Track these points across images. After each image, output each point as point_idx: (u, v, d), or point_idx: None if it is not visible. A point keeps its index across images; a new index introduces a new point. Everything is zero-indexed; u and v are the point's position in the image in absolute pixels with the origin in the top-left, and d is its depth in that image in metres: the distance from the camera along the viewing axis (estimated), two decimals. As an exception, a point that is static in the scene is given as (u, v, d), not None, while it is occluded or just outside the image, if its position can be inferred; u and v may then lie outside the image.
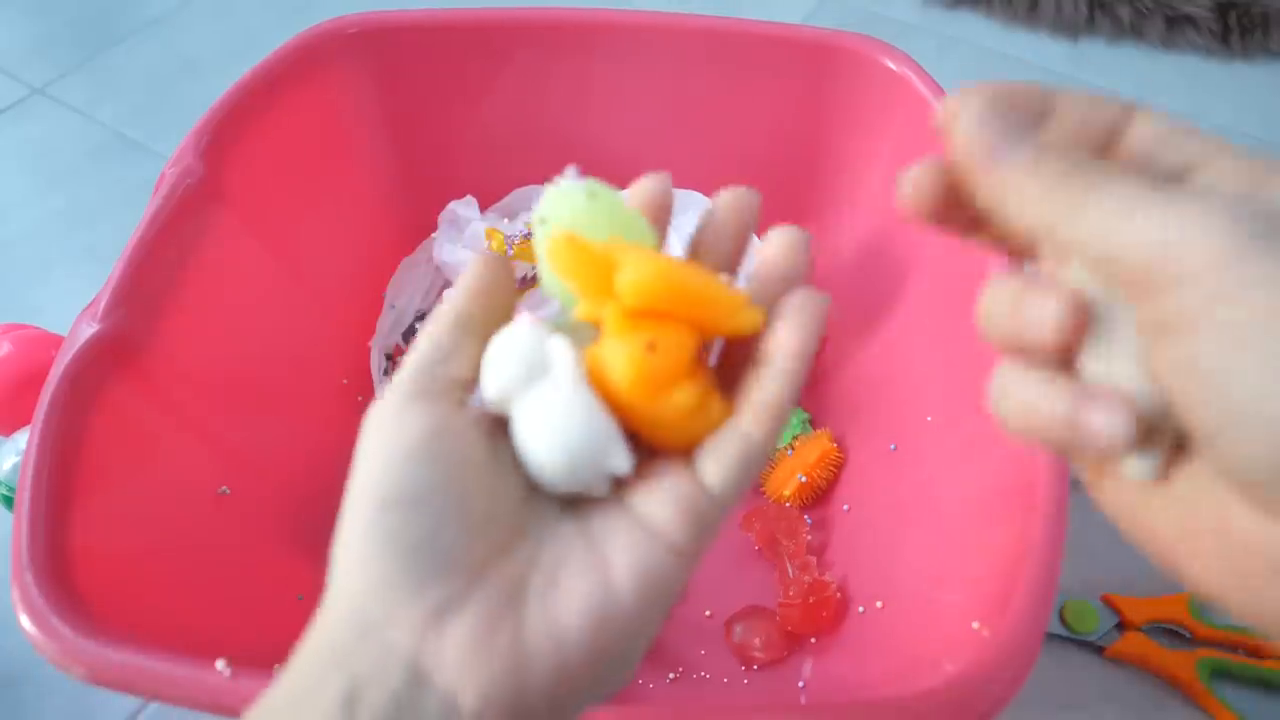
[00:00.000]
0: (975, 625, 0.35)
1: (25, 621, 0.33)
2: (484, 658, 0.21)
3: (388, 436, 0.23)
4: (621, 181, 0.65)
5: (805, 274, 0.26)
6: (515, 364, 0.23)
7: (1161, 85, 0.84)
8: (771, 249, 0.26)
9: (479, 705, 0.21)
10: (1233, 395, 0.17)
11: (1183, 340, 0.18)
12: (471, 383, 0.25)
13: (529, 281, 0.59)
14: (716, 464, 0.23)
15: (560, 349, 0.23)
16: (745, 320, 0.23)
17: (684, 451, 0.24)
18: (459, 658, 0.21)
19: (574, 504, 0.24)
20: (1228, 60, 0.86)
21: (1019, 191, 0.20)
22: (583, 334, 0.24)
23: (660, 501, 0.23)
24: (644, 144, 0.62)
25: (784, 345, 0.24)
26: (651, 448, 0.24)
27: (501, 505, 0.23)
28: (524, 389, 0.23)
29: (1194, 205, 0.18)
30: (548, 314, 0.24)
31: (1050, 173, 0.20)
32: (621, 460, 0.23)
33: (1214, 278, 0.17)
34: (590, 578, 0.22)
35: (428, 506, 0.22)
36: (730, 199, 0.27)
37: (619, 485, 0.24)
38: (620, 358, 0.22)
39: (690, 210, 0.59)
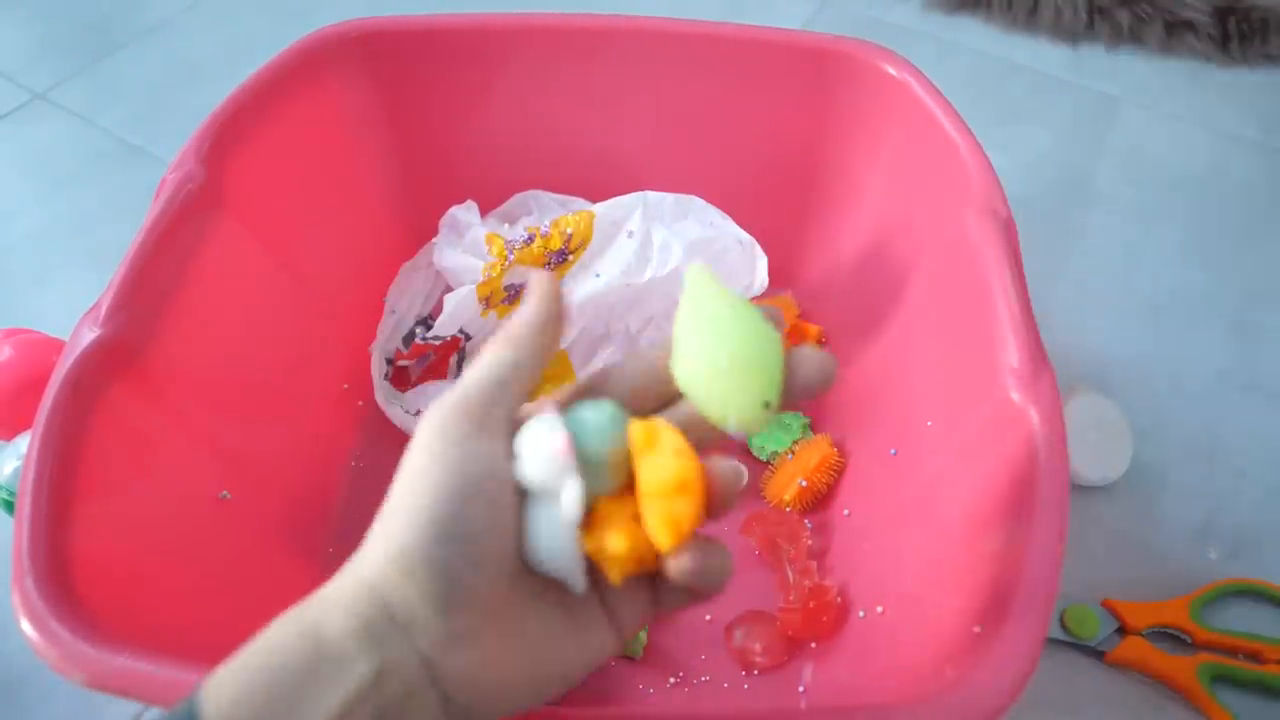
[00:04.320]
0: (976, 630, 0.35)
1: (26, 626, 0.33)
2: (480, 680, 0.27)
3: (451, 466, 0.27)
4: (623, 186, 0.65)
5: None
6: (539, 471, 0.28)
7: (1161, 90, 0.84)
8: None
9: (462, 708, 0.27)
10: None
11: None
12: (517, 410, 0.30)
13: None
14: (670, 595, 0.31)
15: (571, 494, 0.27)
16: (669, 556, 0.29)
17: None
18: (463, 677, 0.27)
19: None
20: (1227, 65, 0.86)
21: None
22: (613, 424, 0.29)
23: (628, 609, 0.30)
24: (645, 148, 0.62)
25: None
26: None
27: (515, 552, 0.28)
28: (538, 496, 0.28)
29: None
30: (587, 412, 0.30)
31: None
32: (579, 585, 0.29)
33: None
34: (568, 654, 0.29)
35: (475, 546, 0.26)
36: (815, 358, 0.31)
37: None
38: (620, 535, 0.28)
39: (691, 216, 0.59)
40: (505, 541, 0.27)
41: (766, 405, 0.29)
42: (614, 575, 0.28)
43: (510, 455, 0.28)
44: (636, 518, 0.28)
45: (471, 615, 0.27)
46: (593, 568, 0.29)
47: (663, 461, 0.27)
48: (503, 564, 0.27)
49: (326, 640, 0.26)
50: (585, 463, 0.28)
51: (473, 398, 0.28)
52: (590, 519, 0.29)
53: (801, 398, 0.30)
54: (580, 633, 0.30)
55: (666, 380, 0.31)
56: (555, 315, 0.31)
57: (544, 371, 0.31)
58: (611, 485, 0.29)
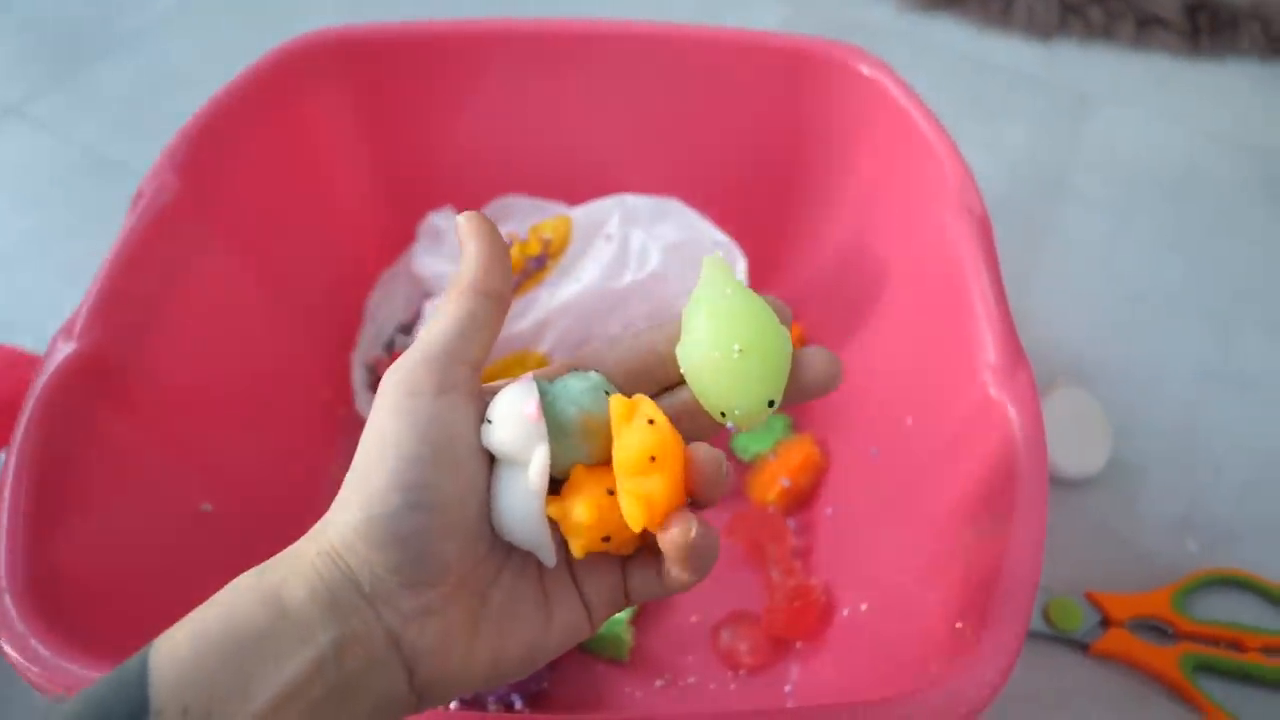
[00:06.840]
0: (958, 625, 0.36)
1: (4, 645, 0.33)
2: (446, 654, 0.26)
3: (417, 429, 0.26)
4: (601, 190, 0.65)
5: None
6: (509, 436, 0.27)
7: (1133, 86, 0.85)
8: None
9: (425, 683, 0.26)
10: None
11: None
12: (481, 362, 0.28)
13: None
14: (641, 583, 0.30)
15: (539, 461, 0.27)
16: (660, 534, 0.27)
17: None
18: (429, 650, 0.26)
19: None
20: (1198, 61, 0.87)
21: None
22: (594, 393, 0.28)
23: (597, 590, 0.29)
24: (622, 152, 0.62)
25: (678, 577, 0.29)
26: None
27: (484, 522, 0.27)
28: (508, 464, 0.27)
29: None
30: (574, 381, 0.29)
31: None
32: (549, 558, 0.28)
33: None
34: (534, 630, 0.28)
35: (445, 516, 0.26)
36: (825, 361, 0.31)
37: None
38: (586, 505, 0.27)
39: (669, 219, 0.59)
40: (474, 510, 0.27)
41: (770, 403, 0.28)
42: (577, 548, 0.27)
43: (478, 417, 0.28)
44: (611, 491, 0.27)
45: (441, 588, 0.26)
46: (565, 545, 0.28)
47: (636, 432, 0.26)
48: (472, 534, 0.27)
49: (288, 606, 0.25)
50: (560, 429, 0.27)
51: (434, 353, 0.27)
52: (562, 489, 0.28)
53: (804, 399, 0.30)
54: (550, 610, 0.28)
55: (664, 364, 0.30)
56: (499, 254, 0.29)
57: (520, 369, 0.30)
58: (589, 456, 0.28)
